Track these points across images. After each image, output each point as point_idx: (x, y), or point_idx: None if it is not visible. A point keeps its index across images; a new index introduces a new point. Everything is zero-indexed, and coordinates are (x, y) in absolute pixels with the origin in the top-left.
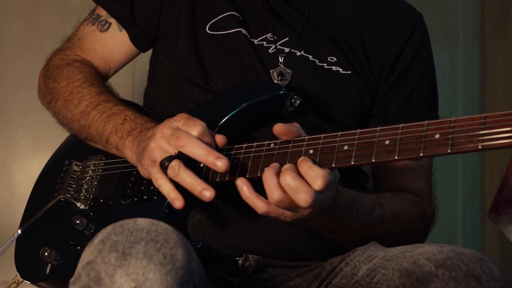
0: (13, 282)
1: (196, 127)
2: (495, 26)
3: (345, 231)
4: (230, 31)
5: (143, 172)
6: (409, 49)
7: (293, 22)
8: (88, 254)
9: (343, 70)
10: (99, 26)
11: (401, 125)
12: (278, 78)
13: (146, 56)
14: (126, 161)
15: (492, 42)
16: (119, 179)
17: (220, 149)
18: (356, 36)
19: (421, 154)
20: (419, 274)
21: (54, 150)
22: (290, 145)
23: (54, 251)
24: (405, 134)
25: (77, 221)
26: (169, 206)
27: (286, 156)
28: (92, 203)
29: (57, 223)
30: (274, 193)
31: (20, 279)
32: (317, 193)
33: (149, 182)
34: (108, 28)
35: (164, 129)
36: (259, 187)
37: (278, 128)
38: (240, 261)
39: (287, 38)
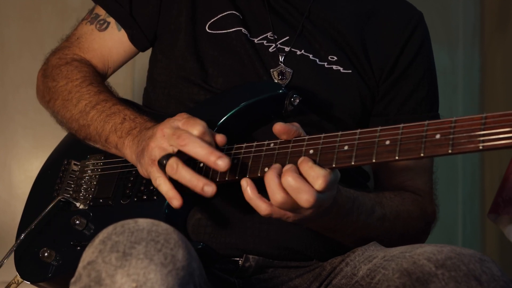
0: (13, 283)
1: (196, 127)
2: (495, 26)
3: (345, 231)
4: (230, 30)
5: (142, 172)
6: (410, 48)
7: (294, 21)
8: (89, 254)
9: (343, 69)
10: (98, 26)
11: (402, 125)
12: (279, 77)
13: (146, 55)
14: (125, 161)
15: (492, 42)
16: (118, 179)
17: (220, 149)
18: (357, 36)
19: (422, 155)
20: (419, 274)
21: None
22: (290, 145)
23: (54, 251)
24: (405, 134)
25: (77, 221)
26: (169, 206)
27: (286, 156)
28: (91, 203)
29: (56, 223)
30: (276, 195)
31: (20, 280)
32: (319, 193)
33: (149, 182)
34: (106, 28)
35: (165, 129)
36: (260, 188)
37: (278, 127)
38: (240, 262)
39: (287, 37)
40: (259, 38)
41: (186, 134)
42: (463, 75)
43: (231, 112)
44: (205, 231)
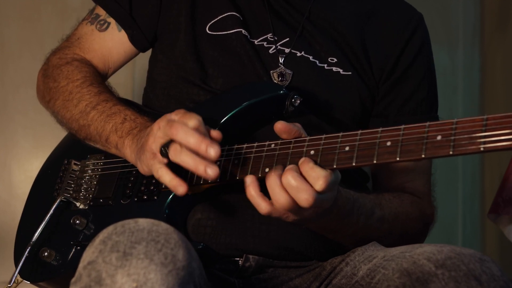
0: (13, 282)
1: (191, 119)
2: (495, 26)
3: (345, 232)
4: (230, 32)
5: (142, 169)
6: (410, 49)
7: (294, 22)
8: (89, 254)
9: (343, 71)
10: (98, 26)
11: (403, 126)
12: (279, 78)
13: (146, 55)
14: (125, 161)
15: (492, 42)
16: (119, 179)
17: (221, 149)
18: (357, 37)
19: (423, 156)
20: (419, 274)
21: None
22: (291, 145)
23: (53, 251)
24: (406, 136)
25: (77, 221)
26: (169, 206)
27: (287, 156)
28: (91, 203)
29: (56, 223)
30: (277, 195)
31: (20, 279)
32: (319, 193)
33: (149, 182)
34: (107, 28)
35: (161, 122)
36: (261, 189)
37: (279, 126)
38: (240, 262)
39: (288, 39)
40: (259, 40)
41: (179, 123)
42: (463, 75)
43: (233, 112)
44: (205, 231)
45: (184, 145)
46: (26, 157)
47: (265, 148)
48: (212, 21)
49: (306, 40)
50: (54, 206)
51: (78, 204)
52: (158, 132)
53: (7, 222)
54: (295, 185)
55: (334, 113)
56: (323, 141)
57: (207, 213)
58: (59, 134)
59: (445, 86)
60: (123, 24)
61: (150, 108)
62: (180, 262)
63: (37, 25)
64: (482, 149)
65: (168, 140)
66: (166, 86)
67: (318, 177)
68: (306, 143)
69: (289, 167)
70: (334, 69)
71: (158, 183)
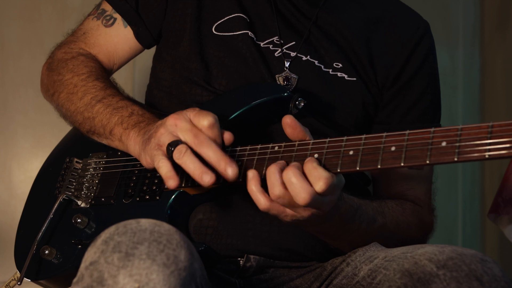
0: (12, 279)
1: (208, 117)
2: (495, 26)
3: (346, 238)
4: (237, 33)
5: (146, 160)
6: (415, 58)
7: (300, 26)
8: (91, 254)
9: (348, 77)
10: (104, 21)
11: (407, 131)
12: (284, 83)
13: (146, 55)
14: (127, 160)
15: (492, 42)
16: (121, 178)
17: (224, 150)
18: (363, 43)
19: (428, 162)
20: (421, 275)
21: None
22: (295, 148)
23: (54, 249)
24: (411, 141)
25: (78, 220)
26: (171, 206)
27: (291, 159)
28: (93, 202)
29: (57, 221)
30: (275, 188)
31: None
32: (318, 194)
33: (151, 182)
34: (113, 24)
35: (178, 120)
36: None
37: (288, 119)
38: (241, 262)
39: (294, 42)
40: (265, 42)
41: (203, 135)
42: (463, 75)
43: (237, 113)
44: (206, 232)
45: (203, 157)
46: (26, 157)
47: (269, 150)
48: (219, 22)
49: (311, 45)
50: (56, 204)
51: (79, 202)
52: (174, 128)
53: (7, 222)
54: (294, 182)
55: (337, 118)
56: (327, 145)
57: (209, 213)
58: (59, 134)
59: (445, 86)
60: (129, 20)
61: (153, 105)
62: (182, 262)
63: (37, 25)
64: (487, 156)
65: (178, 139)
66: (169, 84)
67: (320, 178)
68: (310, 146)
69: (292, 164)
70: (339, 74)
71: (160, 183)
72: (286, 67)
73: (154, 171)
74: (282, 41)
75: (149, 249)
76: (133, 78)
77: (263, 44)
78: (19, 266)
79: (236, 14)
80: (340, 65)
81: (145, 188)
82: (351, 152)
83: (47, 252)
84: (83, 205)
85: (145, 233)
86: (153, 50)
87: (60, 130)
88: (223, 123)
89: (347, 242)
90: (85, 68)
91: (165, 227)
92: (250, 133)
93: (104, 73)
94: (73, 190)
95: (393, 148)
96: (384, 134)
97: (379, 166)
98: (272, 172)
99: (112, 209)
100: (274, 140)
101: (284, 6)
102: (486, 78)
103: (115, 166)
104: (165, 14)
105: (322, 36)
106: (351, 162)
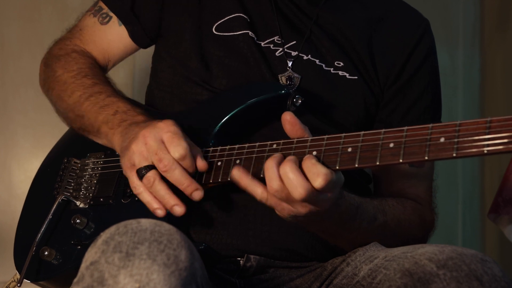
0: (12, 281)
1: (178, 149)
2: (495, 26)
3: (346, 236)
4: (237, 33)
5: (124, 166)
6: (416, 56)
7: (301, 25)
8: (91, 254)
9: (349, 75)
10: (100, 19)
11: (406, 127)
12: (287, 82)
13: (146, 55)
14: None
15: (492, 42)
16: (119, 178)
17: (222, 148)
18: (364, 42)
19: (426, 158)
20: (421, 275)
21: None
22: (293, 145)
23: (54, 250)
24: (409, 137)
25: (77, 220)
26: None
27: None
28: (92, 202)
29: (56, 222)
30: (273, 182)
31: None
32: (316, 191)
33: None
34: (108, 22)
35: (148, 138)
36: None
37: (288, 116)
38: (241, 262)
39: (294, 42)
40: (265, 42)
41: (168, 160)
42: (463, 75)
43: (234, 111)
44: (206, 231)
45: (171, 181)
46: (26, 157)
47: (267, 149)
48: (219, 22)
49: (312, 44)
50: (55, 205)
51: (78, 203)
52: (144, 148)
53: (7, 222)
54: (290, 177)
55: (338, 117)
56: (325, 142)
57: (209, 214)
58: (59, 134)
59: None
60: (123, 19)
61: (153, 105)
62: (183, 262)
63: (37, 25)
64: (485, 151)
65: (148, 165)
66: (169, 84)
67: (319, 174)
68: (308, 143)
69: (289, 157)
70: (340, 73)
71: None
72: (289, 67)
73: None
74: (283, 41)
75: (149, 249)
76: (133, 78)
77: (264, 44)
78: (18, 267)
79: (237, 14)
80: (342, 64)
81: None
82: (349, 149)
83: (46, 253)
84: (81, 205)
85: (146, 233)
86: (153, 50)
87: (60, 130)
88: (219, 123)
89: (348, 240)
90: (75, 65)
91: (165, 227)
92: (249, 132)
93: (95, 69)
94: (71, 191)
95: (391, 145)
96: (383, 130)
97: (377, 163)
98: (269, 166)
99: (111, 209)
100: (272, 138)
101: (285, 5)
102: (486, 78)
103: (113, 166)
104: (163, 13)
105: (323, 35)
106: (349, 159)
